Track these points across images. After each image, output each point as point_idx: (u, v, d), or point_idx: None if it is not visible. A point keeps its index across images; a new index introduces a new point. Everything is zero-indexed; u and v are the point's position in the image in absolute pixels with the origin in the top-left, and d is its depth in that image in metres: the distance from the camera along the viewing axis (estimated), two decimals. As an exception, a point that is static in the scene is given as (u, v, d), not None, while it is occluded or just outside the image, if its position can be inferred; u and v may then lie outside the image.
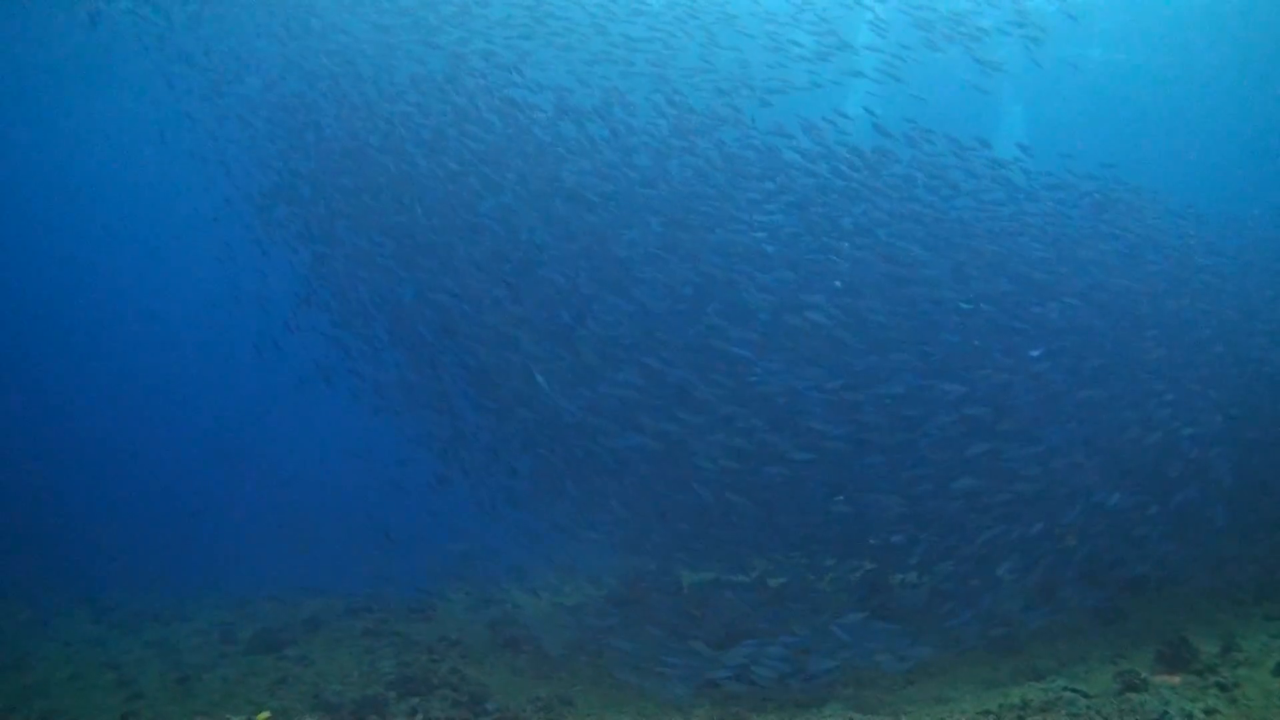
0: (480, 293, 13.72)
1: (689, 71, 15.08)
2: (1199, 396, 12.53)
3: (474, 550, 20.68)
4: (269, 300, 18.32)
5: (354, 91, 15.23)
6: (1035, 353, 12.59)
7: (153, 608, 18.45)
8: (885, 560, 13.43)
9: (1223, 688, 8.32)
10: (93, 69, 26.37)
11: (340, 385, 16.38)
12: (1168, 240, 14.30)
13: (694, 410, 12.44)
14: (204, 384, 47.42)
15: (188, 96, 17.48)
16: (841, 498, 12.70)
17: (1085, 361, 12.57)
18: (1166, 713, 7.41)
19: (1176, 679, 8.78)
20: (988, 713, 8.57)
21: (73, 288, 50.47)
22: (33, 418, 43.27)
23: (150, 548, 25.40)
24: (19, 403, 44.26)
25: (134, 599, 19.59)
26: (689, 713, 10.03)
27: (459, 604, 16.92)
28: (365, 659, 13.03)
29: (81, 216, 45.30)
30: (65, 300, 50.22)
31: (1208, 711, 7.75)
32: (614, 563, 16.13)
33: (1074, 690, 8.64)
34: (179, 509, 31.44)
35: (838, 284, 12.66)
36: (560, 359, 13.15)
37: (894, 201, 13.34)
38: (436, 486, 15.62)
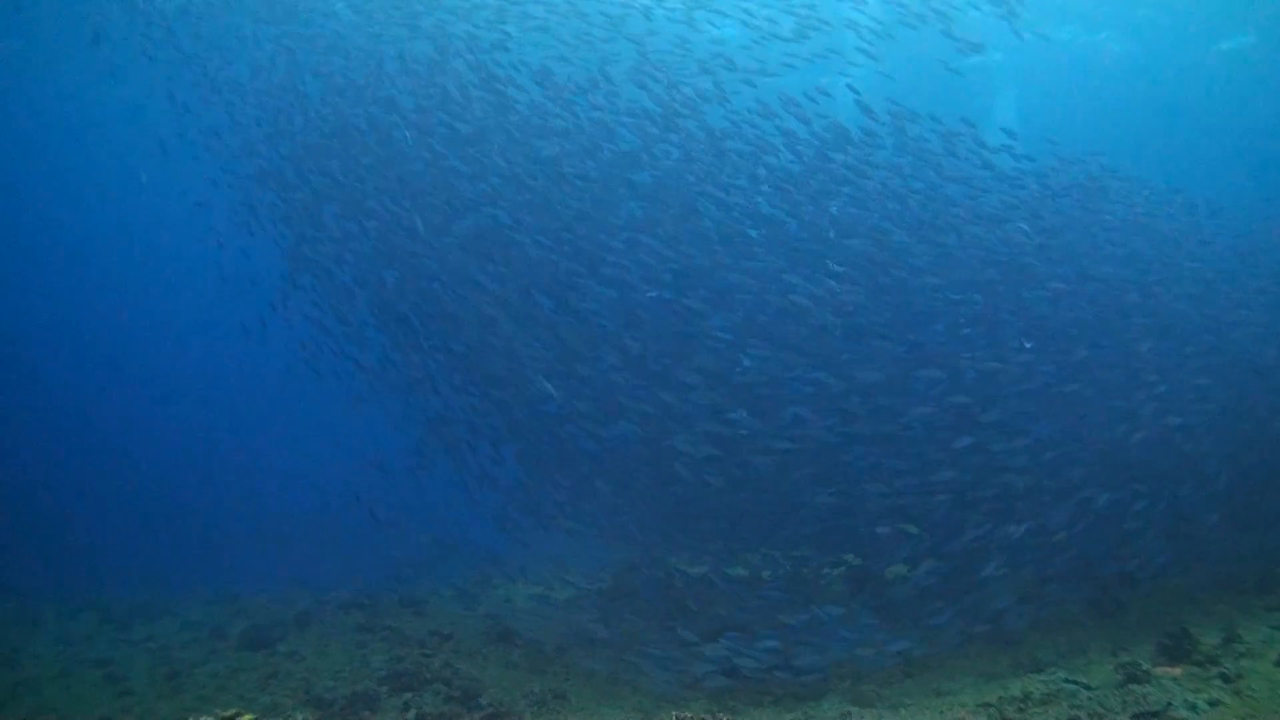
0: (463, 275, 13.61)
1: (669, 51, 14.91)
2: (1191, 389, 12.39)
3: (455, 540, 20.59)
4: (255, 283, 18.18)
5: (340, 76, 15.12)
6: (1028, 345, 12.47)
7: (143, 604, 18.31)
8: (873, 554, 13.27)
9: (1226, 679, 8.22)
10: (81, 56, 26.13)
11: (324, 368, 16.27)
12: (1157, 227, 14.20)
13: (676, 398, 12.33)
14: (192, 380, 47.27)
15: (176, 82, 17.35)
16: (830, 492, 12.57)
17: (1073, 354, 12.43)
18: (1170, 704, 7.31)
19: (1178, 670, 8.68)
20: (988, 705, 8.47)
21: (55, 285, 50.20)
22: (21, 415, 43.04)
23: (140, 544, 25.28)
24: (7, 400, 44.03)
25: (124, 596, 19.46)
26: (684, 706, 9.91)
27: (451, 598, 16.80)
28: (357, 654, 12.90)
29: (71, 209, 44.94)
30: (48, 297, 49.96)
31: (1212, 703, 7.64)
32: (606, 556, 16.01)
33: (1075, 682, 8.56)
34: (169, 506, 31.30)
35: (833, 272, 12.50)
36: (543, 343, 13.04)
37: (879, 184, 13.21)
38: (418, 471, 15.56)
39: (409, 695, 10.80)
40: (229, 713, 7.43)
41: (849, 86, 14.21)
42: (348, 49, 15.52)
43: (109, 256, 49.80)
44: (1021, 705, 8.24)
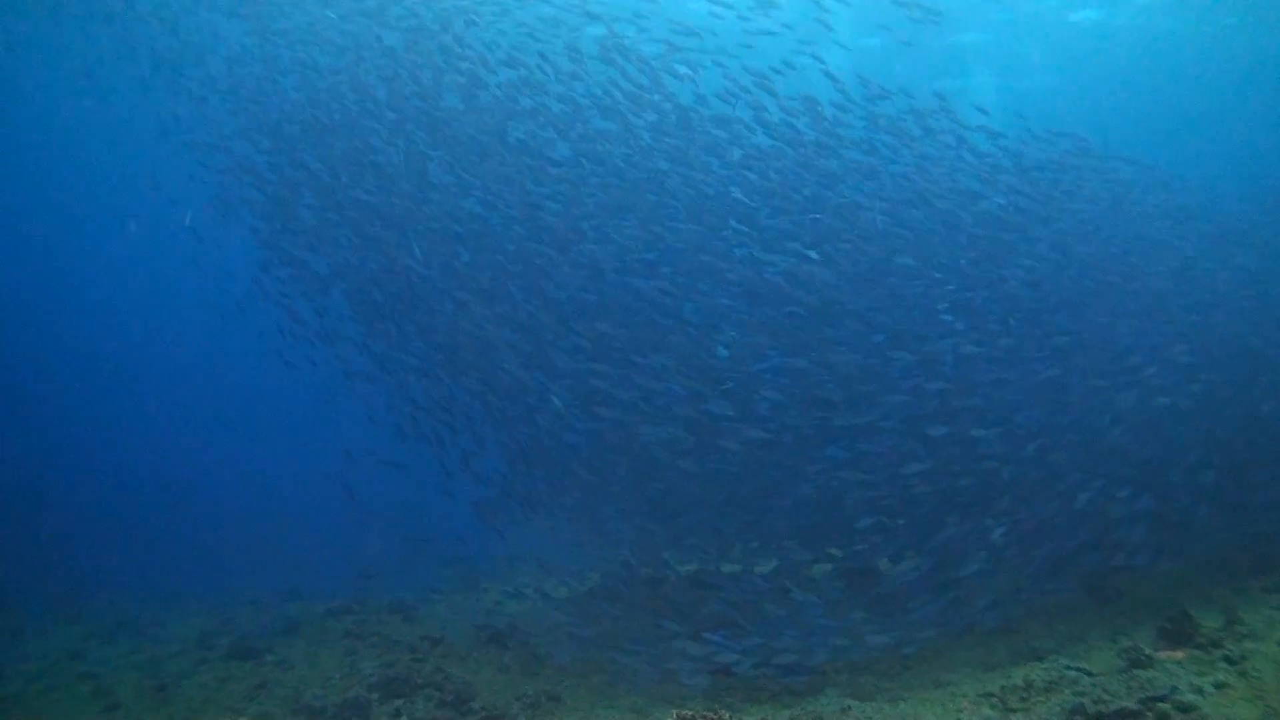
0: (437, 261, 13.49)
1: (634, 32, 14.71)
2: (1177, 369, 12.20)
3: (438, 538, 20.46)
4: (231, 276, 18.05)
5: (311, 65, 15.04)
6: (1013, 323, 12.29)
7: (130, 617, 18.10)
8: (858, 548, 13.07)
9: (1230, 661, 8.12)
10: (53, 50, 25.89)
11: (299, 358, 16.14)
12: (1136, 203, 14.04)
13: (654, 385, 12.20)
14: (168, 383, 46.91)
15: (153, 78, 17.20)
16: (811, 484, 12.40)
17: (1055, 338, 12.25)
18: (1176, 688, 7.19)
19: (1180, 654, 8.58)
20: (990, 695, 8.36)
21: (22, 293, 49.60)
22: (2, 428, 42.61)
23: (126, 556, 25.04)
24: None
25: (110, 608, 19.27)
26: (681, 705, 9.77)
27: (440, 602, 16.65)
28: (346, 661, 12.77)
29: (45, 207, 44.42)
30: (16, 304, 49.35)
31: (1218, 686, 7.54)
32: (594, 554, 15.87)
33: (1077, 669, 8.45)
34: (153, 515, 31.06)
35: (810, 255, 12.30)
36: (518, 333, 12.90)
37: (852, 162, 13.01)
38: (396, 465, 15.46)
39: (400, 701, 10.69)
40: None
41: (814, 56, 13.99)
42: (320, 38, 15.37)
43: (81, 259, 49.25)
44: (1024, 694, 8.13)
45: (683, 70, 13.75)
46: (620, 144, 13.32)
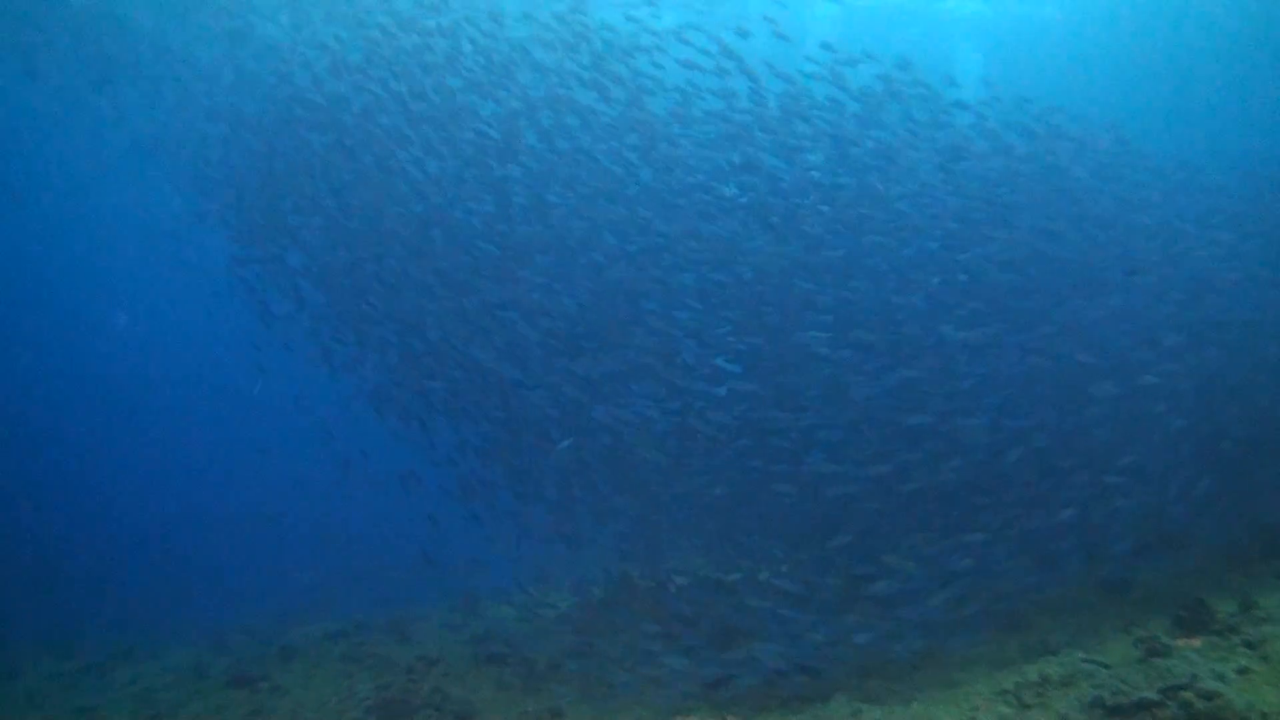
0: (414, 251, 13.36)
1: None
2: (1166, 351, 11.92)
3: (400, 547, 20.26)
4: (210, 274, 17.95)
5: (284, 58, 15.00)
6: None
7: (124, 647, 17.88)
8: (847, 550, 12.77)
9: (1250, 646, 7.91)
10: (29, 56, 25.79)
11: (275, 349, 16.02)
12: (1120, 178, 13.79)
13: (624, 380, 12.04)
14: (161, 412, 46.67)
15: (129, 90, 17.15)
16: (793, 485, 12.15)
17: (1039, 328, 11.95)
18: (1196, 675, 6.95)
19: (1198, 642, 8.36)
20: (1005, 692, 8.14)
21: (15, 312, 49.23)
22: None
23: (119, 586, 24.85)
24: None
25: (105, 640, 19.02)
26: (688, 715, 9.55)
27: (437, 621, 16.42)
28: (343, 684, 12.57)
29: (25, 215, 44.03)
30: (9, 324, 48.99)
31: (1240, 671, 7.33)
32: (592, 565, 15.66)
33: (1093, 662, 8.22)
34: (147, 546, 30.85)
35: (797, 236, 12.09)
36: (495, 325, 12.74)
37: (821, 132, 12.76)
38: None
39: (399, 723, 10.46)
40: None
41: (766, 18, 13.74)
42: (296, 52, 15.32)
43: (63, 275, 48.96)
44: (1040, 690, 7.90)
45: (649, 41, 13.51)
46: (587, 130, 13.13)
